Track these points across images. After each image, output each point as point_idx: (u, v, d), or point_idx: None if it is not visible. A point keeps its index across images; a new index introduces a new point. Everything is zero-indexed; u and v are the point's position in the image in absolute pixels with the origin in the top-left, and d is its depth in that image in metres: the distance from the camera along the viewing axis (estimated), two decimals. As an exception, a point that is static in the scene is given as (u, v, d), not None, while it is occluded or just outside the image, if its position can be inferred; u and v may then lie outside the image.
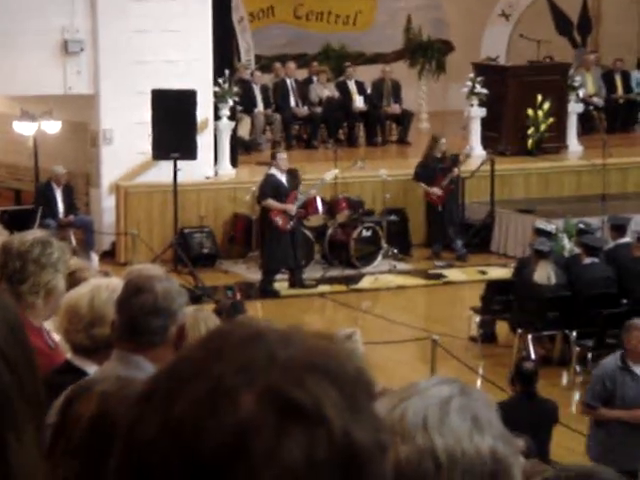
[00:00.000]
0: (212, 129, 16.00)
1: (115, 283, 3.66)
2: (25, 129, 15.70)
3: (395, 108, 19.65)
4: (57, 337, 4.06)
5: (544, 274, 11.61)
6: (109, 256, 15.20)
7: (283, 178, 14.21)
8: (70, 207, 15.46)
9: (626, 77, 21.11)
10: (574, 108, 18.40)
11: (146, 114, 14.42)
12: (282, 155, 14.29)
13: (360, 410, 1.10)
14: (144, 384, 1.14)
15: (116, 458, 1.12)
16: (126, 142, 15.29)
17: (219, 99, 16.01)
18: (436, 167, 15.59)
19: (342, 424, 1.07)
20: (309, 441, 1.06)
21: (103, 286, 3.71)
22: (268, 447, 1.06)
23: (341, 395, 1.08)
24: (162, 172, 14.91)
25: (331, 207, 15.23)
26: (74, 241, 14.75)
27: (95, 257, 14.94)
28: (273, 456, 1.06)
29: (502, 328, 12.31)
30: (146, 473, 1.08)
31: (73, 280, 4.32)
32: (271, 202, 14.06)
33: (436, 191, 15.58)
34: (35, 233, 4.05)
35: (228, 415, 1.06)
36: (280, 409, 1.06)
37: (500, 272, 14.51)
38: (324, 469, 1.06)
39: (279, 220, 14.03)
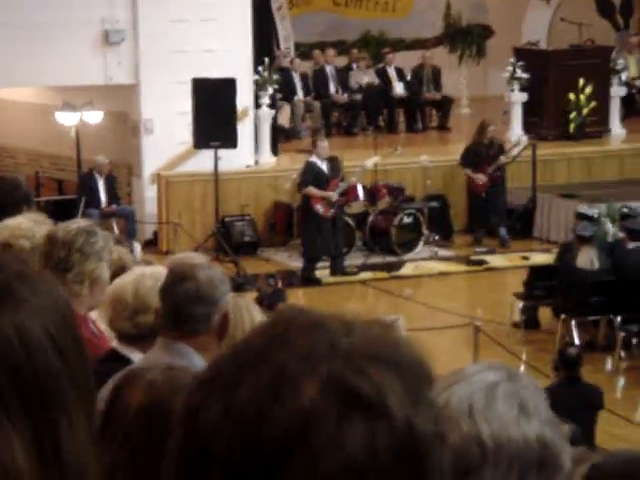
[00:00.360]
0: (252, 117, 16.03)
1: (159, 271, 3.68)
2: (67, 119, 15.81)
3: (435, 94, 19.57)
4: (102, 326, 4.09)
5: (587, 259, 11.53)
6: (151, 245, 15.28)
7: (324, 166, 14.20)
8: (112, 197, 15.56)
9: (670, 59, 20.86)
10: (617, 92, 18.23)
11: (186, 103, 14.47)
12: (323, 143, 14.28)
13: (421, 400, 1.11)
14: (205, 370, 1.15)
15: (175, 445, 1.13)
16: (167, 132, 15.35)
17: (259, 87, 16.02)
18: (483, 154, 15.50)
19: (404, 414, 1.08)
20: (371, 430, 1.07)
21: (147, 274, 3.74)
22: (330, 435, 1.06)
23: (403, 385, 1.09)
24: (203, 161, 14.96)
25: (372, 194, 15.21)
26: (117, 230, 14.85)
27: (138, 246, 15.05)
28: (335, 444, 1.06)
29: (545, 314, 12.24)
30: (208, 459, 1.09)
31: (117, 269, 4.35)
32: (312, 190, 14.07)
33: (481, 177, 15.50)
34: (79, 222, 4.08)
35: (291, 402, 1.07)
36: (342, 398, 1.07)
37: (542, 258, 14.42)
38: (385, 458, 1.07)
39: (320, 208, 14.03)
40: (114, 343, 3.74)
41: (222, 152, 14.50)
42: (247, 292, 11.82)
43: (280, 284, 13.10)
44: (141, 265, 5.98)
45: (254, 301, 9.41)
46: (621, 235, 12.41)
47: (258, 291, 10.65)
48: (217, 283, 3.30)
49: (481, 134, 15.60)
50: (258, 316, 4.46)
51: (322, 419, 1.07)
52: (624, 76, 18.42)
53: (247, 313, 4.35)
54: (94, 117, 15.83)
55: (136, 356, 3.52)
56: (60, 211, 13.48)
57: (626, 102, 19.00)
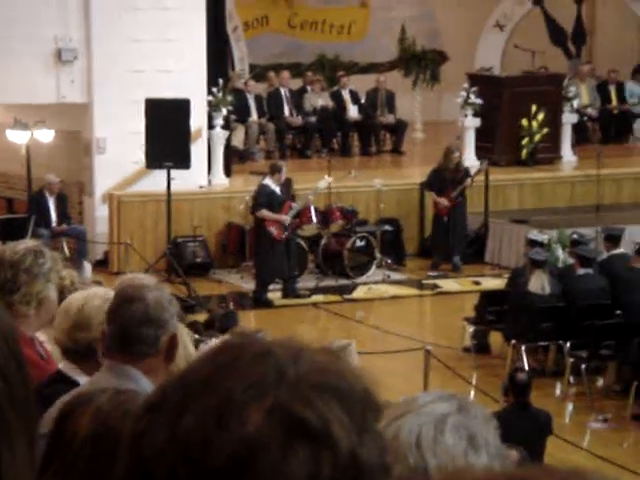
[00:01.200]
0: (206, 138, 16.00)
1: (111, 293, 3.65)
2: (18, 137, 15.67)
3: (389, 118, 19.66)
4: (50, 347, 4.04)
5: (538, 283, 11.60)
6: (102, 265, 15.18)
7: (277, 188, 14.19)
8: (63, 216, 15.43)
9: (620, 88, 21.15)
10: (568, 119, 18.43)
11: (140, 123, 14.41)
12: (284, 171, 14.23)
13: (367, 431, 1.11)
14: (151, 395, 1.15)
15: (120, 470, 1.12)
16: (120, 151, 15.28)
17: (213, 108, 16.00)
18: (448, 178, 15.59)
19: (348, 444, 1.08)
20: (315, 459, 1.07)
21: (99, 294, 3.73)
22: (274, 463, 1.06)
23: (349, 415, 1.09)
24: (156, 181, 14.89)
25: (325, 217, 15.22)
26: (67, 250, 14.73)
27: (88, 266, 14.94)
28: (279, 472, 1.07)
29: (496, 339, 12.29)
30: None
31: (64, 290, 4.31)
32: (265, 212, 14.05)
33: (444, 202, 15.59)
34: (27, 243, 4.03)
35: (236, 430, 1.07)
36: (288, 426, 1.07)
37: (494, 282, 14.51)
38: None
39: (273, 230, 14.02)
40: (61, 365, 3.69)
41: (175, 172, 14.45)
42: (198, 314, 11.77)
43: (232, 306, 13.04)
44: (90, 286, 5.93)
45: (203, 324, 9.36)
46: (571, 261, 12.51)
47: (209, 313, 10.58)
48: (166, 305, 3.26)
49: (447, 159, 15.72)
50: (187, 339, 4.44)
51: (267, 447, 1.07)
52: (576, 103, 18.62)
53: (179, 338, 4.33)
54: (46, 135, 15.71)
55: (82, 379, 3.48)
56: (10, 230, 13.35)
57: (577, 129, 19.21)
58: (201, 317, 10.59)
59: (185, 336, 4.48)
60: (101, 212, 15.58)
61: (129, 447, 1.11)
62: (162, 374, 3.17)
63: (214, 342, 7.51)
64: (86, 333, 3.53)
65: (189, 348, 4.49)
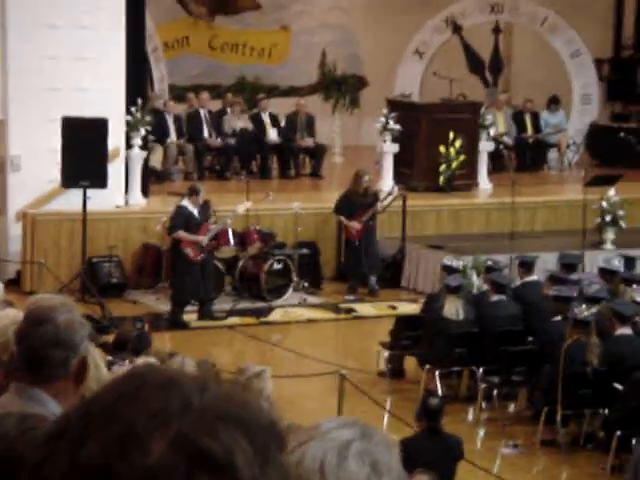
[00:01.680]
0: (124, 158, 15.88)
1: (20, 315, 3.59)
2: None
3: (308, 141, 19.74)
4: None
5: (453, 309, 11.71)
6: (14, 285, 14.94)
7: (195, 210, 14.14)
8: (-24, 234, 15.17)
9: (536, 117, 21.54)
10: (485, 146, 18.69)
11: (56, 141, 14.26)
12: (202, 193, 14.17)
13: (270, 461, 1.11)
14: (54, 422, 1.14)
15: None
16: (35, 169, 15.08)
17: (131, 128, 15.90)
18: (358, 202, 15.66)
19: (251, 475, 1.08)
20: None
21: (8, 314, 3.66)
22: None
23: (252, 446, 1.09)
24: (72, 200, 14.73)
25: (242, 239, 15.19)
26: (-21, 269, 14.46)
27: (0, 286, 14.67)
28: None
29: (411, 363, 12.37)
30: None
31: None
32: (182, 234, 13.98)
33: (355, 225, 15.65)
34: None
35: (138, 460, 1.06)
36: (191, 457, 1.07)
37: (410, 307, 14.60)
38: None
39: (190, 252, 13.95)
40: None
41: (92, 192, 14.31)
42: (112, 335, 11.63)
43: (147, 327, 12.92)
44: (1, 305, 5.82)
45: (113, 344, 9.24)
46: (485, 287, 12.65)
47: (117, 334, 10.44)
48: (77, 327, 3.22)
49: (356, 183, 15.78)
50: (99, 360, 4.40)
51: (169, 477, 1.06)
52: (492, 132, 18.90)
53: (89, 356, 4.28)
54: (-40, 152, 15.46)
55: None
56: None
57: (494, 157, 19.50)
58: (110, 338, 10.49)
59: (97, 357, 4.44)
60: (14, 231, 15.35)
61: (30, 474, 1.10)
62: (72, 397, 3.12)
63: (127, 364, 7.44)
64: None
65: (101, 369, 4.45)
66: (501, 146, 20.16)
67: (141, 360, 7.54)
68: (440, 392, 11.14)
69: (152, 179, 17.30)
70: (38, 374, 3.13)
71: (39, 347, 3.13)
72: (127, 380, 1.13)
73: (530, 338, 11.70)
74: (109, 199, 15.28)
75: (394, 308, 15.01)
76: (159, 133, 17.89)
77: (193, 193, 14.07)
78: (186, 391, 1.10)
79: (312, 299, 15.40)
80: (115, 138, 15.07)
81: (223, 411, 1.10)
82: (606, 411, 10.30)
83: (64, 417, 1.13)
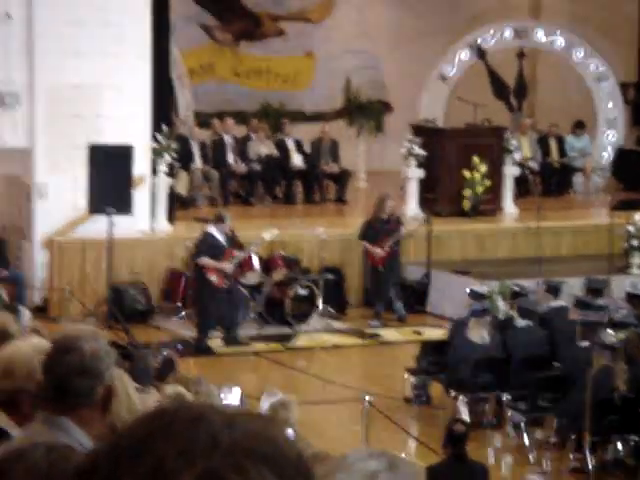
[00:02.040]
0: (149, 184, 15.94)
1: (43, 344, 3.61)
2: (-42, 181, 15.51)
3: (333, 167, 19.76)
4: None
5: (478, 334, 11.66)
6: (41, 311, 14.99)
7: (221, 237, 14.16)
8: (2, 261, 15.24)
9: (561, 142, 21.48)
10: (510, 171, 18.64)
11: (82, 168, 14.34)
12: (229, 221, 14.20)
13: None
14: (85, 456, 1.14)
15: None
16: (61, 196, 15.16)
17: (157, 155, 15.97)
18: (381, 227, 15.63)
19: None
20: None
21: (34, 343, 3.68)
22: None
23: None
24: (97, 227, 14.78)
25: (267, 265, 15.20)
26: (5, 296, 14.52)
27: (26, 312, 14.73)
28: None
29: (437, 389, 12.30)
30: None
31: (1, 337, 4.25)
32: (206, 260, 13.99)
33: (379, 252, 15.60)
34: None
35: None
36: None
37: (435, 333, 14.54)
38: None
39: (214, 278, 13.97)
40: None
41: (117, 218, 14.37)
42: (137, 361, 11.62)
43: (172, 353, 12.91)
44: (28, 332, 5.84)
45: (138, 370, 9.24)
46: (511, 313, 12.59)
47: (143, 360, 10.42)
48: (102, 355, 3.22)
49: (380, 209, 15.75)
50: (130, 388, 4.40)
51: None
52: (517, 156, 18.85)
53: (121, 384, 4.28)
54: (-13, 179, 15.57)
55: (14, 430, 3.42)
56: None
57: (519, 182, 19.45)
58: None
59: (128, 386, 4.43)
60: (41, 258, 15.42)
61: None
62: (98, 425, 3.12)
63: (153, 392, 7.44)
64: (8, 380, 3.48)
65: (132, 398, 4.44)
66: (526, 171, 20.11)
67: (169, 388, 7.53)
68: (466, 418, 11.07)
69: (177, 205, 17.35)
70: (64, 402, 3.13)
71: (65, 376, 3.14)
72: (157, 416, 1.14)
73: (557, 364, 11.62)
74: (134, 225, 15.34)
75: (419, 333, 14.96)
76: (184, 159, 17.96)
77: (219, 220, 14.10)
78: (214, 427, 1.10)
79: (337, 324, 15.37)
80: (141, 165, 15.14)
81: (251, 448, 1.09)
82: (635, 437, 10.20)
83: (95, 454, 1.13)
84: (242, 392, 8.82)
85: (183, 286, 15.35)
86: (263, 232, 14.86)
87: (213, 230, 14.13)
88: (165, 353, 12.59)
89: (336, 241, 16.31)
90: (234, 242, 14.48)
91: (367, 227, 15.79)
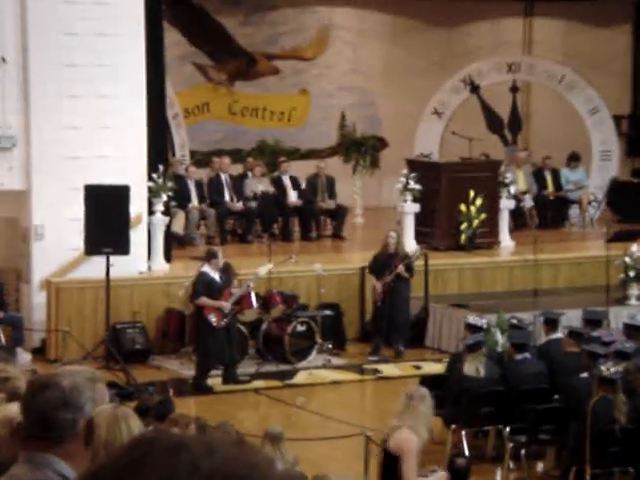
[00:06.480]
0: (146, 224, 15.96)
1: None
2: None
3: (330, 203, 19.80)
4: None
5: (473, 367, 11.62)
6: (39, 353, 14.96)
7: (216, 275, 14.15)
8: (-1, 303, 15.23)
9: (556, 174, 21.54)
10: (506, 204, 18.67)
11: (79, 209, 14.36)
12: (220, 256, 14.20)
13: None
14: None
15: None
16: (58, 238, 15.18)
17: (153, 194, 16.01)
18: (385, 263, 15.65)
19: None
20: None
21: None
22: None
23: None
24: (95, 267, 14.79)
25: (265, 302, 15.19)
26: (3, 338, 14.51)
27: (24, 354, 14.73)
28: None
29: (436, 424, 12.24)
30: None
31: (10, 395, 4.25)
32: (204, 300, 13.98)
33: (378, 286, 15.61)
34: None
35: None
36: None
37: (434, 367, 14.51)
38: None
39: (213, 318, 13.94)
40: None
41: (115, 258, 14.37)
42: (136, 401, 11.59)
43: (171, 393, 12.88)
44: (25, 374, 5.83)
45: (135, 411, 9.20)
46: (509, 345, 12.56)
47: (139, 400, 10.40)
48: (81, 388, 3.21)
49: (385, 244, 15.78)
50: (136, 427, 4.37)
51: None
52: (513, 189, 18.89)
53: (125, 424, 4.26)
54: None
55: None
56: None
57: (515, 215, 19.47)
58: (130, 405, 10.44)
59: (133, 426, 4.38)
60: (39, 299, 15.41)
61: None
62: (82, 459, 3.10)
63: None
64: None
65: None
66: (522, 204, 20.14)
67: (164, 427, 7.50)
68: (467, 452, 11.02)
69: (174, 244, 17.37)
70: (49, 438, 3.11)
71: (47, 410, 3.12)
72: (136, 446, 1.13)
73: (556, 396, 11.58)
74: (132, 265, 15.34)
75: (418, 368, 14.92)
76: (181, 198, 18.00)
77: (212, 257, 14.09)
78: (195, 454, 1.10)
79: (336, 360, 15.33)
80: (137, 204, 15.17)
81: (231, 472, 1.10)
82: (635, 470, 10.15)
83: None
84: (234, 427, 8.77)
85: (181, 325, 15.33)
86: (257, 268, 14.87)
87: (208, 269, 14.11)
88: (163, 393, 12.56)
89: (334, 277, 16.31)
90: (229, 274, 14.46)
91: (373, 261, 15.83)
